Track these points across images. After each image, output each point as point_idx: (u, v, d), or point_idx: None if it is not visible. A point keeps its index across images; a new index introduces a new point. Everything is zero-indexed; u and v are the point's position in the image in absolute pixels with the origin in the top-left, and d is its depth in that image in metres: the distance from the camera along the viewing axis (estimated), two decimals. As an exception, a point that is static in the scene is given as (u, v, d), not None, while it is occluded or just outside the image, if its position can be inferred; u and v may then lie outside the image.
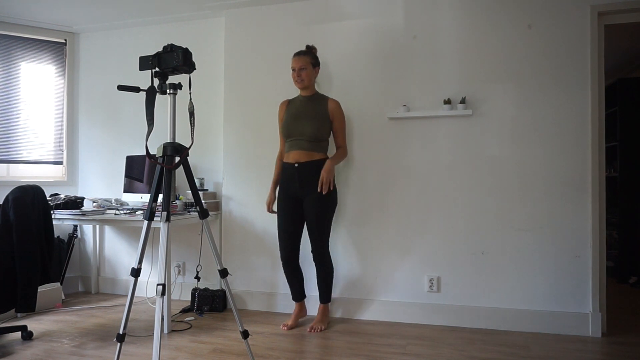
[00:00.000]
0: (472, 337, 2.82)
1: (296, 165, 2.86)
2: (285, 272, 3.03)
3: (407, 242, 3.15)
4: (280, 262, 3.17)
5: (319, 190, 2.80)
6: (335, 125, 2.95)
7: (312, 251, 2.92)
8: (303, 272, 3.13)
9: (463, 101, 3.00)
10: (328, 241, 2.95)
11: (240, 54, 3.50)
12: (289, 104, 3.02)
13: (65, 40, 4.09)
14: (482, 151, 3.02)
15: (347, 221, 3.26)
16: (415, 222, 3.13)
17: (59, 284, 3.66)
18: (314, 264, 3.01)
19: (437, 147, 3.10)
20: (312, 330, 2.92)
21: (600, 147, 2.85)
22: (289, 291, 3.38)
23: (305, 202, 2.89)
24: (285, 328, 2.96)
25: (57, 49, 4.06)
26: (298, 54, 2.92)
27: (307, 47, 3.02)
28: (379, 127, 3.21)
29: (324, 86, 3.33)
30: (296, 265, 3.03)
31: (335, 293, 3.28)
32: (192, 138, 2.00)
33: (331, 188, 2.83)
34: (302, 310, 3.13)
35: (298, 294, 3.09)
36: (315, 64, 2.95)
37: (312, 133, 2.84)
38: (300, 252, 3.11)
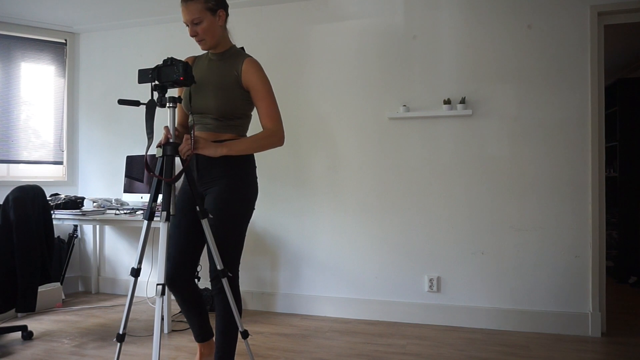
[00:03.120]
0: (472, 337, 2.82)
1: None
2: (176, 299, 2.05)
3: (407, 242, 3.14)
4: (281, 262, 3.12)
5: (180, 149, 1.85)
6: (253, 96, 1.96)
7: (210, 274, 2.00)
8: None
9: (463, 101, 3.00)
10: (237, 262, 2.00)
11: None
12: (195, 63, 2.07)
13: (65, 40, 4.08)
14: (482, 151, 3.02)
15: (347, 221, 3.26)
16: (415, 222, 3.13)
17: (59, 283, 3.66)
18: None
19: (437, 147, 3.10)
20: None
21: (600, 147, 2.85)
22: (289, 291, 3.38)
23: (205, 202, 2.02)
24: None
25: (57, 49, 4.06)
26: None
27: None
28: (379, 127, 3.21)
29: (325, 86, 3.33)
30: (188, 289, 2.04)
31: (335, 293, 3.27)
32: (192, 151, 1.98)
33: (189, 153, 1.85)
34: (210, 353, 2.15)
35: (200, 331, 2.11)
36: (216, 6, 1.91)
37: (218, 108, 1.92)
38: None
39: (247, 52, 2.10)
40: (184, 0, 1.88)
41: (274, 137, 1.96)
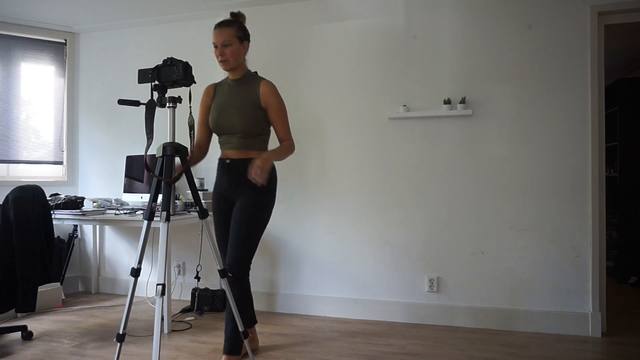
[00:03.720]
0: (472, 337, 2.82)
1: (227, 161, 2.31)
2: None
3: (407, 242, 3.14)
4: (281, 262, 3.10)
5: (252, 176, 2.06)
6: (271, 115, 2.31)
7: (225, 266, 2.23)
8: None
9: (463, 101, 3.00)
10: (250, 260, 2.28)
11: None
12: (215, 90, 2.41)
13: (65, 40, 4.08)
14: (482, 151, 3.02)
15: (347, 221, 3.26)
16: (415, 222, 3.13)
17: (59, 284, 3.66)
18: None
19: (437, 147, 3.10)
20: None
21: (600, 147, 2.85)
22: (289, 291, 3.38)
23: (235, 206, 2.32)
24: None
25: (57, 49, 4.06)
26: (220, 25, 2.23)
27: (233, 14, 2.31)
28: (379, 127, 3.21)
29: (325, 86, 3.33)
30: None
31: (335, 293, 3.28)
32: (192, 152, 2.00)
33: (264, 180, 2.08)
34: (252, 339, 2.58)
35: (250, 316, 2.54)
36: (244, 37, 2.28)
37: (244, 128, 2.25)
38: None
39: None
40: (219, 26, 2.23)
41: (292, 148, 2.36)
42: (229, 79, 2.37)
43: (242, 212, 2.25)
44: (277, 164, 3.42)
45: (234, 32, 2.23)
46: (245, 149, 2.30)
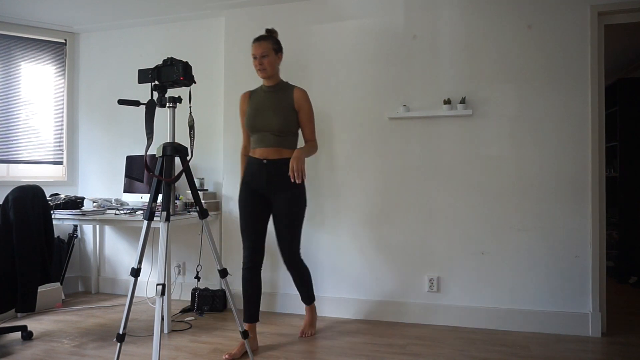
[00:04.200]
0: (472, 337, 2.82)
1: (265, 161, 2.57)
2: (246, 280, 2.60)
3: (407, 242, 3.14)
4: (281, 262, 3.09)
5: (292, 180, 2.46)
6: (302, 117, 2.65)
7: (284, 260, 2.70)
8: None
9: (463, 101, 3.00)
10: (299, 247, 2.71)
11: (240, 54, 3.50)
12: (250, 95, 2.71)
13: (65, 40, 4.09)
14: (482, 151, 3.02)
15: (347, 221, 3.26)
16: (415, 222, 3.13)
17: (59, 284, 3.66)
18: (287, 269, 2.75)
19: (437, 147, 3.10)
20: (304, 335, 2.83)
21: (600, 147, 2.85)
22: (289, 291, 3.38)
23: (274, 204, 2.62)
24: (228, 357, 2.47)
25: (57, 49, 4.06)
26: (258, 39, 2.58)
27: (268, 30, 2.66)
28: (379, 127, 3.21)
29: (325, 86, 3.33)
30: (260, 272, 2.65)
31: (335, 293, 3.28)
32: (192, 152, 2.02)
33: (304, 177, 2.48)
34: (253, 338, 2.63)
35: (254, 312, 2.62)
36: (278, 49, 2.63)
37: (280, 126, 2.55)
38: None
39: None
40: (258, 40, 2.58)
41: (316, 148, 2.72)
42: (263, 85, 2.68)
43: (287, 209, 2.58)
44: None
45: (270, 45, 2.57)
46: (279, 146, 2.57)
